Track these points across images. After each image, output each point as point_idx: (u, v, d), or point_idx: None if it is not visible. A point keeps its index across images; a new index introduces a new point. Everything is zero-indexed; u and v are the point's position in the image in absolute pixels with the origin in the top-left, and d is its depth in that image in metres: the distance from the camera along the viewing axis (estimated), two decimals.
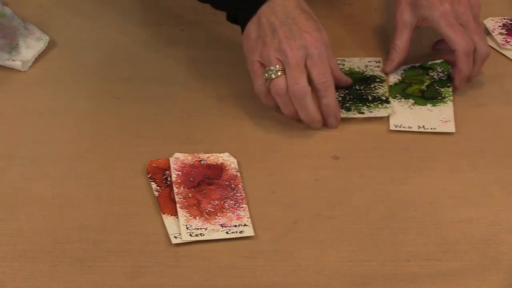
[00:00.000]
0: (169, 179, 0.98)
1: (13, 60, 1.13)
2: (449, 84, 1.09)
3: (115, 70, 1.14)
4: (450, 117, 1.05)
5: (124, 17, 1.23)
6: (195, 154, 1.00)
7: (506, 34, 1.19)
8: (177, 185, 0.96)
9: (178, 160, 0.99)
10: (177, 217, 0.93)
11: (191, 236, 0.91)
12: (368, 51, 1.17)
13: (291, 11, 1.01)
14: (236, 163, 0.99)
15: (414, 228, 0.93)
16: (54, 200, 0.96)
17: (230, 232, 0.92)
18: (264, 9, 1.01)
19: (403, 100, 1.08)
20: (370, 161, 1.01)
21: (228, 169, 0.99)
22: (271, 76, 1.00)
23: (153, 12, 1.25)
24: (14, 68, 1.13)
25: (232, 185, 0.97)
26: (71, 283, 0.88)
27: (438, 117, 1.05)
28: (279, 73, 0.99)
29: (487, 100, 1.10)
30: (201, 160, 1.00)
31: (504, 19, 1.22)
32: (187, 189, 0.96)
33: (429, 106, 1.06)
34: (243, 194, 0.96)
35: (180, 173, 0.98)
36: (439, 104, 1.07)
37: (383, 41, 1.18)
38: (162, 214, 0.94)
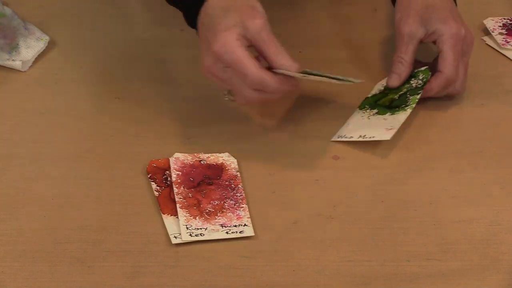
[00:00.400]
0: (169, 179, 0.98)
1: (13, 60, 1.13)
2: (419, 92, 1.04)
3: (115, 70, 1.14)
4: (397, 125, 1.00)
5: (124, 17, 1.23)
6: (195, 154, 1.00)
7: (506, 34, 1.19)
8: (177, 185, 0.96)
9: (178, 160, 0.99)
10: (177, 217, 0.93)
11: (191, 236, 0.91)
12: (368, 50, 1.17)
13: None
14: (236, 163, 0.99)
15: (414, 228, 0.93)
16: (54, 200, 0.96)
17: (230, 232, 0.92)
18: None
19: (367, 110, 1.04)
20: (370, 161, 1.01)
21: (228, 169, 0.99)
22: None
23: (153, 12, 1.25)
24: (14, 68, 1.13)
25: (232, 185, 0.97)
26: (71, 283, 0.88)
27: (385, 125, 1.00)
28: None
29: (487, 100, 1.10)
30: (201, 160, 1.00)
31: (504, 19, 1.22)
32: (187, 189, 0.96)
33: (387, 115, 1.02)
34: (243, 194, 0.96)
35: (180, 173, 0.98)
36: (397, 112, 1.02)
37: (383, 41, 1.18)
38: (162, 214, 0.94)
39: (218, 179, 0.98)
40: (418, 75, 1.05)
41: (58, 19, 1.23)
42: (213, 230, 0.92)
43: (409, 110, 1.01)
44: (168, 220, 0.93)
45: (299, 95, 1.10)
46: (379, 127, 1.00)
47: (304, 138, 1.04)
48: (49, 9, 1.24)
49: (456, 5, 1.08)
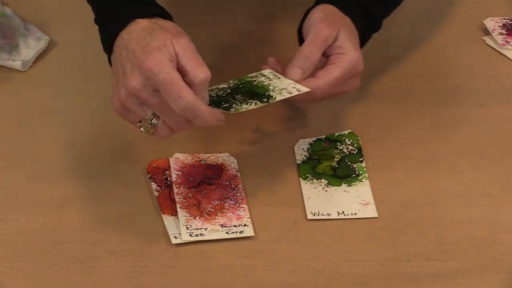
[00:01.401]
0: (169, 179, 0.98)
1: (13, 60, 1.13)
2: (361, 159, 1.00)
3: None
4: (369, 198, 0.96)
5: None
6: (195, 154, 1.00)
7: (506, 34, 1.19)
8: (177, 185, 0.96)
9: (178, 160, 0.99)
10: (177, 217, 0.93)
11: (191, 236, 0.91)
12: (368, 51, 1.17)
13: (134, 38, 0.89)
14: (236, 163, 0.99)
15: (414, 228, 0.93)
16: (54, 200, 0.96)
17: (230, 232, 0.92)
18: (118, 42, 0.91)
19: (315, 180, 0.98)
20: (370, 161, 1.01)
21: (228, 169, 0.99)
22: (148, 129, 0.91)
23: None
24: (14, 68, 1.13)
25: (232, 185, 0.97)
26: (71, 283, 0.88)
27: (356, 199, 0.96)
28: (154, 121, 0.90)
29: (487, 100, 1.10)
30: (201, 160, 1.00)
31: (504, 19, 1.22)
32: (187, 189, 0.96)
33: (344, 186, 0.97)
34: (243, 194, 0.96)
35: (180, 173, 0.98)
36: (354, 183, 0.98)
37: (383, 41, 1.18)
38: (162, 214, 0.94)
39: (218, 179, 0.98)
40: (344, 140, 1.02)
41: (58, 19, 1.23)
42: (213, 230, 0.92)
43: (366, 181, 0.97)
44: (168, 220, 0.93)
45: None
46: (350, 202, 0.95)
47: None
48: (49, 9, 1.24)
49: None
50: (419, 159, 1.01)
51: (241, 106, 0.89)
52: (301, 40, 0.98)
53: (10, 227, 0.93)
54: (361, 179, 0.98)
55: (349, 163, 1.00)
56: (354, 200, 0.96)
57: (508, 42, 1.18)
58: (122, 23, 0.90)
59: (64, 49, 1.18)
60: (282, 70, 0.95)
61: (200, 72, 0.86)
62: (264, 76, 0.94)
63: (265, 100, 0.90)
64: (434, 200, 0.96)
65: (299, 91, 0.91)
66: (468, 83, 1.12)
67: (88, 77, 1.13)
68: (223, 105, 0.89)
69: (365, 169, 1.00)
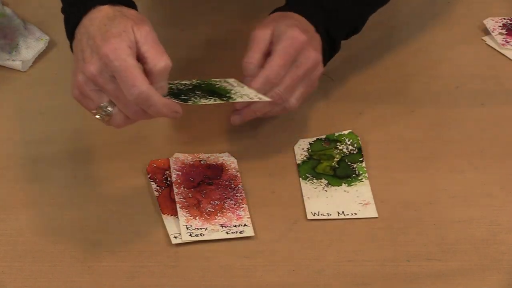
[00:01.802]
0: (169, 179, 0.98)
1: (13, 60, 1.13)
2: (361, 159, 1.00)
3: None
4: (369, 198, 0.96)
5: None
6: (195, 154, 1.00)
7: (506, 34, 1.19)
8: (177, 185, 0.96)
9: (178, 160, 0.99)
10: (177, 217, 0.93)
11: (191, 236, 0.91)
12: (368, 51, 1.17)
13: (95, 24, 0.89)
14: (236, 163, 0.99)
15: (414, 228, 0.93)
16: (54, 200, 0.96)
17: (230, 232, 0.92)
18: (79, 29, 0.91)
19: (315, 180, 0.98)
20: (370, 161, 1.01)
21: (228, 169, 0.99)
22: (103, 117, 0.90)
23: (153, 12, 1.24)
24: (14, 68, 1.13)
25: (232, 185, 0.97)
26: (71, 283, 0.88)
27: (356, 199, 0.96)
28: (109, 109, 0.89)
29: (487, 100, 1.10)
30: (201, 160, 1.00)
31: (504, 19, 1.22)
32: (187, 189, 0.96)
33: (344, 186, 0.97)
34: (243, 194, 0.96)
35: (180, 173, 0.98)
36: (354, 183, 0.98)
37: (383, 41, 1.18)
38: (162, 214, 0.94)
39: (218, 179, 0.98)
40: (344, 140, 1.02)
41: (58, 19, 1.22)
42: (213, 230, 0.92)
43: (366, 181, 0.97)
44: (168, 220, 0.93)
45: None
46: (350, 202, 0.95)
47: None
48: (49, 9, 1.24)
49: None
50: (419, 159, 1.01)
51: (200, 100, 0.90)
52: None
53: (10, 227, 0.93)
54: (361, 179, 0.98)
55: (349, 163, 1.00)
56: (354, 200, 0.96)
57: (508, 42, 1.18)
58: (84, 9, 0.90)
59: (64, 49, 1.17)
60: None
61: (159, 60, 0.86)
62: (227, 83, 0.95)
63: (225, 99, 0.90)
64: (434, 200, 0.96)
65: (260, 99, 0.92)
66: (468, 83, 1.12)
67: None
68: (181, 97, 0.89)
69: (365, 169, 1.00)
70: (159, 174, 0.98)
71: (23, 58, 1.13)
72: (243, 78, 0.95)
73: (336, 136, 1.03)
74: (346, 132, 1.04)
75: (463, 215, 0.94)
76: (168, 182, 0.97)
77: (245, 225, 0.93)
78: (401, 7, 1.21)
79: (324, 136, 1.04)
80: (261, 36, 0.96)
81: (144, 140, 1.04)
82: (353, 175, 0.99)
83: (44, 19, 1.21)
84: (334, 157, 1.01)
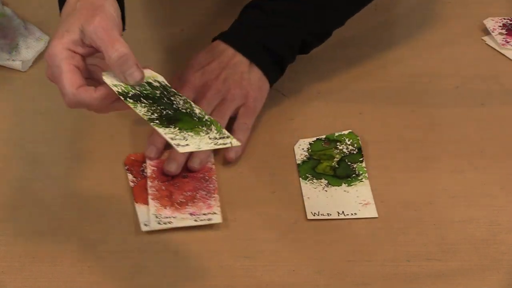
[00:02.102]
0: (145, 170, 0.98)
1: (13, 60, 1.13)
2: (361, 159, 1.00)
3: None
4: (369, 198, 0.96)
5: None
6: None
7: (506, 34, 1.19)
8: (151, 180, 0.97)
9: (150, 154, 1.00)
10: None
11: (160, 224, 0.92)
12: (368, 51, 1.17)
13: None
14: (212, 156, 0.99)
15: (414, 228, 0.93)
16: (54, 200, 0.96)
17: (198, 220, 0.92)
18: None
19: (315, 181, 0.98)
20: (370, 161, 1.01)
21: None
22: None
23: (153, 12, 1.25)
24: (14, 68, 1.13)
25: (206, 177, 0.97)
26: (71, 283, 0.88)
27: (356, 199, 0.96)
28: None
29: (487, 100, 1.10)
30: None
31: (504, 19, 1.22)
32: (161, 182, 0.96)
33: (344, 186, 0.97)
34: (216, 184, 0.96)
35: (155, 168, 0.98)
36: (354, 183, 0.97)
37: (383, 41, 1.19)
38: (135, 203, 0.94)
39: (193, 172, 0.98)
40: (344, 140, 1.02)
41: (58, 19, 1.22)
42: (182, 219, 0.93)
43: (366, 181, 0.97)
44: (140, 208, 0.94)
45: (300, 95, 1.10)
46: (350, 202, 0.95)
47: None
48: (49, 9, 1.24)
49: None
50: (419, 159, 1.01)
51: (141, 109, 0.85)
52: None
53: (10, 227, 0.93)
54: (361, 179, 0.98)
55: (349, 163, 1.00)
56: (354, 200, 0.96)
57: (508, 42, 1.18)
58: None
59: None
60: None
61: (111, 51, 0.84)
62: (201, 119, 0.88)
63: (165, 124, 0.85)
64: (434, 200, 0.96)
65: (225, 145, 0.85)
66: (468, 83, 1.12)
67: None
68: (133, 99, 0.85)
69: (365, 169, 1.00)
70: (137, 167, 0.99)
71: (23, 58, 1.13)
72: None
73: (336, 136, 1.03)
74: (346, 132, 1.04)
75: (463, 215, 0.95)
76: (145, 174, 0.98)
77: (214, 213, 0.93)
78: (401, 7, 1.21)
79: (324, 136, 1.04)
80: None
81: (144, 140, 1.03)
82: (353, 175, 0.99)
83: (44, 19, 1.21)
84: (334, 157, 1.01)
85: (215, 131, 0.84)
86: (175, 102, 0.86)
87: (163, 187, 0.96)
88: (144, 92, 0.86)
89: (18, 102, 1.09)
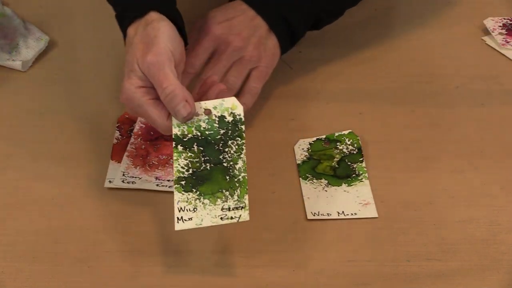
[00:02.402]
0: (135, 127, 1.00)
1: (13, 60, 1.13)
2: (361, 159, 1.00)
3: (115, 70, 1.14)
4: (369, 198, 0.96)
5: None
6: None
7: (506, 34, 1.19)
8: (135, 136, 0.99)
9: None
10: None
11: (123, 182, 0.94)
12: (368, 51, 1.17)
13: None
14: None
15: (414, 228, 0.93)
16: (54, 200, 0.96)
17: (160, 185, 0.94)
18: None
19: (315, 181, 0.98)
20: (370, 161, 1.01)
21: None
22: None
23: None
24: (14, 68, 1.13)
25: None
26: (71, 283, 0.88)
27: (356, 199, 0.96)
28: None
29: (487, 100, 1.10)
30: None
31: (504, 19, 1.22)
32: (144, 141, 0.98)
33: (344, 186, 0.97)
34: None
35: (144, 125, 1.00)
36: (354, 183, 0.98)
37: (383, 41, 1.19)
38: (111, 160, 0.97)
39: None
40: (344, 140, 1.02)
41: (58, 19, 1.23)
42: (146, 181, 0.94)
43: (366, 181, 0.98)
44: (113, 166, 0.97)
45: (300, 95, 1.10)
46: (350, 202, 0.95)
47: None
48: (49, 9, 1.24)
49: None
50: (419, 159, 1.01)
51: (181, 162, 0.88)
52: None
53: (10, 227, 0.93)
54: (361, 179, 0.98)
55: (349, 163, 1.00)
56: (354, 200, 0.96)
57: (508, 42, 1.18)
58: (123, 26, 0.93)
59: (64, 49, 1.18)
60: None
61: (160, 90, 0.87)
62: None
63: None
64: (434, 200, 0.96)
65: (231, 220, 0.88)
66: (468, 83, 1.12)
67: (88, 77, 1.13)
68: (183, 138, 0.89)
69: (365, 169, 1.00)
70: (127, 125, 1.01)
71: (23, 58, 1.13)
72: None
73: (336, 136, 1.03)
74: (346, 132, 1.04)
75: (463, 215, 0.95)
76: (131, 134, 1.00)
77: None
78: (401, 7, 1.21)
79: (324, 136, 1.04)
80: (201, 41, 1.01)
81: None
82: (353, 175, 0.99)
83: (44, 19, 1.21)
84: (334, 157, 1.01)
85: (236, 198, 0.87)
86: (226, 150, 0.89)
87: (143, 146, 0.98)
88: (206, 133, 0.88)
89: (18, 102, 1.09)
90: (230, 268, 0.89)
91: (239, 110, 0.90)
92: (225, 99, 0.90)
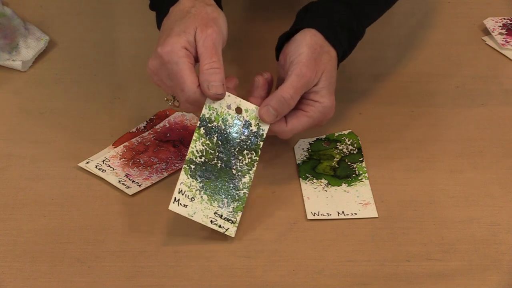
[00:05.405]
0: (156, 127, 1.02)
1: (13, 60, 1.13)
2: (361, 159, 1.00)
3: (115, 70, 1.14)
4: (369, 198, 0.96)
5: (124, 17, 1.23)
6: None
7: (506, 34, 1.19)
8: (152, 132, 1.00)
9: (179, 117, 1.02)
10: None
11: (95, 167, 0.96)
12: (368, 51, 1.17)
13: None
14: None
15: (414, 228, 0.93)
16: (54, 200, 0.96)
17: (121, 182, 0.95)
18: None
19: (315, 181, 0.98)
20: (370, 161, 1.01)
21: None
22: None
23: (153, 12, 1.24)
24: (14, 68, 1.13)
25: (178, 162, 0.98)
26: (71, 283, 0.88)
27: (356, 199, 0.96)
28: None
29: (487, 100, 1.10)
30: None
31: (504, 19, 1.22)
32: (154, 139, 0.99)
33: (344, 186, 0.97)
34: (178, 167, 0.97)
35: (167, 125, 1.01)
36: (354, 183, 0.97)
37: (383, 41, 1.19)
38: (111, 145, 0.99)
39: (186, 146, 0.99)
40: (344, 140, 1.01)
41: (58, 19, 1.23)
42: (114, 174, 0.95)
43: (366, 181, 0.97)
44: (106, 150, 0.99)
45: None
46: (350, 202, 0.95)
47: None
48: (49, 9, 1.24)
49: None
50: (419, 159, 1.01)
51: (197, 146, 0.89)
52: (278, 57, 0.97)
53: (10, 227, 0.93)
54: (361, 179, 0.98)
55: (349, 163, 1.00)
56: (354, 200, 0.96)
57: (508, 42, 1.18)
58: (171, 2, 0.94)
59: (64, 49, 1.18)
60: (269, 91, 0.95)
61: (207, 60, 0.88)
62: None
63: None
64: (434, 200, 0.96)
65: (218, 229, 0.90)
66: (468, 83, 1.12)
67: (88, 77, 1.13)
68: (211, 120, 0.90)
69: (365, 169, 1.00)
70: (159, 120, 1.03)
71: (23, 58, 1.13)
72: (265, 104, 0.92)
73: (336, 136, 1.03)
74: (346, 132, 1.04)
75: (463, 215, 0.95)
76: (155, 128, 1.01)
77: (139, 185, 0.95)
78: (401, 6, 1.21)
79: (324, 136, 1.04)
80: (310, 81, 0.93)
81: None
82: (353, 175, 0.99)
83: (44, 19, 1.21)
84: (334, 157, 1.01)
85: (231, 209, 0.90)
86: (240, 158, 0.91)
87: (148, 143, 0.98)
88: (229, 130, 0.90)
89: (18, 102, 1.09)
90: (230, 268, 0.89)
91: (266, 125, 0.92)
92: (259, 107, 0.92)
